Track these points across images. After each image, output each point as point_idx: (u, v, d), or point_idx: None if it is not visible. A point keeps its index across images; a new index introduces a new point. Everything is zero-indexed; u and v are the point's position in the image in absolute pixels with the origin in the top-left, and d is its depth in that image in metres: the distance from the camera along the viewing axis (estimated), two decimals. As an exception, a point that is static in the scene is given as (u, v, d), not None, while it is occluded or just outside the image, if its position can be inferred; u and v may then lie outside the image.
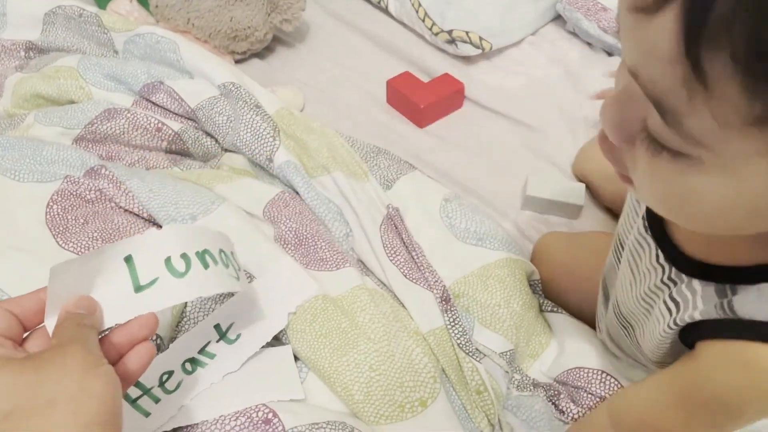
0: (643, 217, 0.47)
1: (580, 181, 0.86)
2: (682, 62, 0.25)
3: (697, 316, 0.40)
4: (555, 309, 0.71)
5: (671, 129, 0.29)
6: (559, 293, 0.72)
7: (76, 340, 0.39)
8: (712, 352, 0.40)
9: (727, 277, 0.39)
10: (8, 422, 0.34)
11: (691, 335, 0.42)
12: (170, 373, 0.60)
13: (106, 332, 0.45)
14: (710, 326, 0.39)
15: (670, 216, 0.36)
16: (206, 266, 0.52)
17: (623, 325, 0.54)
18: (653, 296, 0.46)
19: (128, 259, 0.48)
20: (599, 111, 0.35)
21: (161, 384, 0.59)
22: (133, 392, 0.57)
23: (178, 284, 0.49)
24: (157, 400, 0.58)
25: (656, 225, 0.46)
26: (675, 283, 0.43)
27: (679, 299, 0.42)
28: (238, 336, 0.63)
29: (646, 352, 0.50)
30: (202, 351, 0.62)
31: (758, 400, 0.38)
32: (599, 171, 0.81)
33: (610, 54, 1.12)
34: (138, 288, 0.48)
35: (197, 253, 0.52)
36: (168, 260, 0.50)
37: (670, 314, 0.43)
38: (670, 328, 0.42)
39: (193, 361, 0.62)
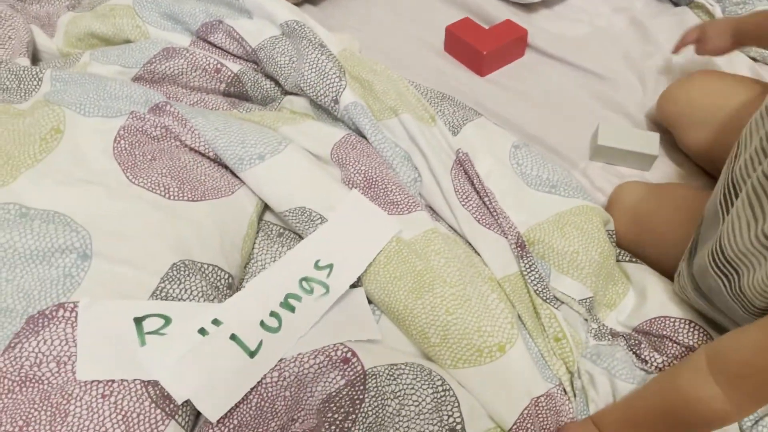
0: None
1: (661, 126, 0.83)
2: None
3: None
4: (633, 259, 0.68)
5: None
6: (636, 245, 0.70)
7: None
8: None
9: None
10: None
11: None
12: (271, 313, 0.60)
13: None
14: None
15: None
16: (293, 310, 0.60)
17: (724, 273, 0.51)
18: None
19: (233, 337, 0.57)
20: None
21: (262, 324, 0.59)
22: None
23: (279, 338, 0.58)
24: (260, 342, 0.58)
25: None
26: None
27: None
28: (330, 270, 0.63)
29: (751, 298, 0.48)
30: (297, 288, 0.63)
31: None
32: (685, 115, 0.77)
33: (676, 4, 1.07)
34: (252, 354, 0.56)
35: (281, 304, 0.61)
36: (262, 323, 0.59)
37: None
38: None
39: (289, 297, 0.62)
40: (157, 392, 0.53)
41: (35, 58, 0.92)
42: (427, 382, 0.57)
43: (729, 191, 0.52)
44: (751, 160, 0.49)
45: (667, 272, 0.67)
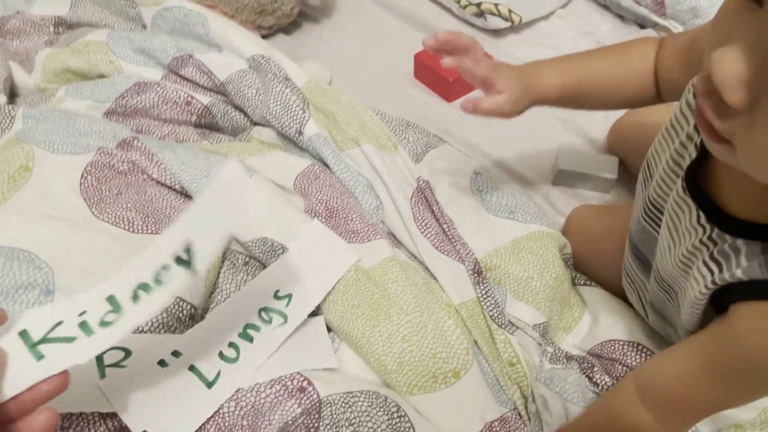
0: (682, 179, 0.46)
1: (614, 154, 0.85)
2: None
3: (739, 275, 0.39)
4: (588, 282, 0.70)
5: None
6: (591, 267, 0.71)
7: None
8: (749, 313, 0.39)
9: None
10: None
11: (724, 299, 0.41)
12: (230, 344, 0.61)
13: None
14: (749, 287, 0.38)
15: None
16: (251, 340, 0.61)
17: (666, 291, 0.53)
18: (692, 257, 0.45)
19: (192, 368, 0.58)
20: (708, 63, 0.31)
21: (221, 356, 0.60)
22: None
23: (237, 368, 0.59)
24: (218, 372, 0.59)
25: (695, 186, 0.44)
26: (716, 243, 0.42)
27: (720, 259, 0.41)
28: (289, 300, 0.65)
29: (683, 318, 0.49)
30: (256, 318, 0.64)
31: None
32: (634, 144, 0.80)
33: (642, 26, 1.09)
34: (209, 385, 0.58)
35: (240, 334, 0.62)
36: (221, 353, 0.60)
37: (711, 274, 0.42)
38: (708, 289, 0.42)
39: (248, 327, 0.63)
40: (116, 425, 0.54)
41: (13, 94, 0.94)
42: (382, 409, 0.58)
43: (651, 211, 0.53)
44: (663, 181, 0.50)
45: (622, 293, 0.68)
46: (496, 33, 1.09)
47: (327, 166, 0.79)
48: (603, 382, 0.61)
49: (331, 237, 0.69)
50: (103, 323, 0.48)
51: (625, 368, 0.61)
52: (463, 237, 0.71)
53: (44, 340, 0.46)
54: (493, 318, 0.65)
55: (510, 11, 1.05)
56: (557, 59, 0.63)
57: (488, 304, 0.66)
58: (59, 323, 0.47)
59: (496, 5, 1.05)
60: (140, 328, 0.60)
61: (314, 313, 0.65)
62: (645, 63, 0.58)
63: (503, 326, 0.64)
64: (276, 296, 0.65)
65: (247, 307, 0.65)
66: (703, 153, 0.44)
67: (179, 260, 0.50)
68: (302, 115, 0.80)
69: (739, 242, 0.40)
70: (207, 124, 0.87)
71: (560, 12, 1.13)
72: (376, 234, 0.70)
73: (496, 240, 0.71)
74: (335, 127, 0.81)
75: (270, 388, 0.58)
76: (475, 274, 0.67)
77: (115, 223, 0.66)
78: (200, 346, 0.61)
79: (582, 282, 0.70)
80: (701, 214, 0.43)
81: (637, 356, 0.61)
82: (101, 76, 0.90)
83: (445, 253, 0.70)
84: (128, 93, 0.85)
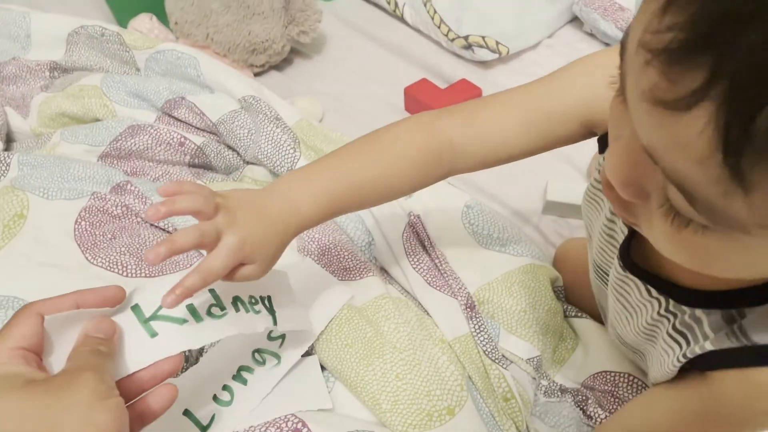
0: (617, 257, 0.44)
1: None
2: (718, 166, 0.23)
3: (709, 347, 0.37)
4: (579, 314, 0.70)
5: (701, 215, 0.26)
6: (581, 299, 0.72)
7: (89, 367, 0.39)
8: (730, 381, 0.37)
9: (731, 301, 0.36)
10: None
11: (699, 363, 0.39)
12: (224, 387, 0.60)
13: None
14: (724, 356, 0.36)
15: (692, 268, 0.31)
16: (245, 382, 0.59)
17: (632, 351, 0.53)
18: (654, 329, 0.44)
19: (186, 412, 0.55)
20: (605, 160, 0.30)
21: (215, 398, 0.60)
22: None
23: (231, 411, 0.57)
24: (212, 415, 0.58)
25: (632, 263, 0.42)
26: (675, 315, 0.40)
27: (684, 330, 0.40)
28: (283, 340, 0.64)
29: (653, 374, 0.47)
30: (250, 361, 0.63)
31: None
32: None
33: (628, 54, 1.11)
34: (204, 429, 0.55)
35: (234, 376, 0.59)
36: (215, 397, 0.58)
37: (680, 347, 0.40)
38: (679, 362, 0.40)
39: (242, 369, 0.62)
40: (110, 473, 0.54)
41: (9, 139, 0.96)
42: (378, 449, 0.58)
43: (599, 271, 0.52)
44: (602, 250, 0.49)
45: None
46: (485, 64, 1.11)
47: (319, 203, 0.79)
48: (596, 415, 0.61)
49: (324, 275, 0.70)
50: (210, 314, 0.49)
51: (617, 400, 0.61)
52: (456, 271, 0.71)
53: (155, 316, 0.46)
54: (487, 353, 0.65)
55: (497, 43, 1.07)
56: (316, 171, 0.53)
57: (481, 338, 0.66)
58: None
59: (483, 37, 1.07)
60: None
61: (308, 353, 0.66)
62: (434, 142, 0.52)
63: (497, 361, 0.64)
64: (269, 337, 0.65)
65: (241, 348, 0.65)
66: (632, 230, 0.42)
67: (263, 302, 0.55)
68: (293, 154, 0.81)
69: (698, 312, 0.38)
70: (200, 164, 0.88)
71: (547, 42, 1.15)
72: (368, 271, 0.71)
73: (488, 274, 0.72)
74: (326, 165, 0.82)
75: (265, 430, 0.58)
76: (468, 309, 0.68)
77: (109, 268, 0.67)
78: (194, 389, 0.61)
79: (573, 314, 0.71)
80: (650, 287, 0.42)
81: (629, 387, 0.61)
82: (96, 119, 0.92)
83: (438, 288, 0.70)
84: (122, 136, 0.86)
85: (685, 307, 0.39)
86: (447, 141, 0.52)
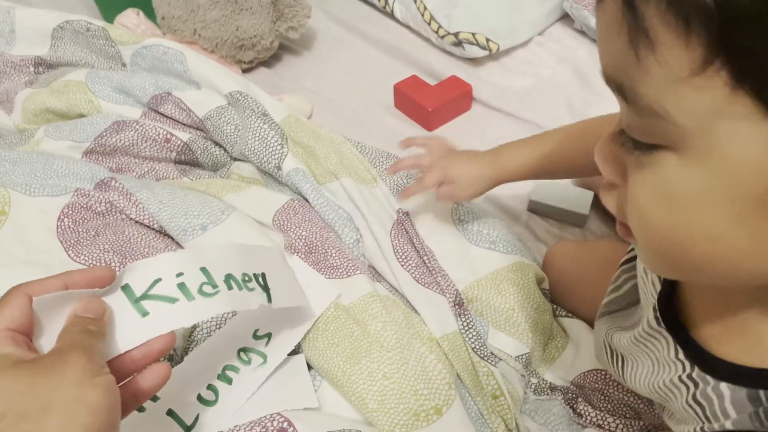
0: (654, 308, 0.42)
1: (586, 188, 0.85)
2: (625, 20, 0.25)
3: (729, 426, 0.35)
4: (569, 315, 0.70)
5: (632, 109, 0.28)
6: (568, 303, 0.71)
7: (78, 346, 0.38)
8: None
9: (760, 380, 0.33)
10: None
11: None
12: (209, 386, 0.60)
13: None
14: None
15: (669, 266, 0.32)
16: (230, 382, 0.59)
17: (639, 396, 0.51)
18: (670, 393, 0.41)
19: (170, 413, 0.54)
20: (594, 154, 0.33)
21: (200, 398, 0.59)
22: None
23: (216, 411, 0.56)
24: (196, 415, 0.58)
25: (671, 317, 0.40)
26: (697, 385, 0.38)
27: (704, 402, 0.37)
28: (269, 339, 0.64)
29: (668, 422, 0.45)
30: (235, 359, 0.62)
31: None
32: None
33: (618, 51, 1.11)
34: (188, 429, 0.55)
35: (219, 376, 0.58)
36: (199, 396, 0.57)
37: (698, 416, 0.38)
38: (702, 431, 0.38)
39: (227, 369, 0.61)
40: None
41: (-8, 135, 0.94)
42: (365, 449, 0.57)
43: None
44: (643, 291, 0.47)
45: None
46: (475, 61, 1.10)
47: (307, 200, 0.78)
48: (587, 413, 0.60)
49: (311, 273, 0.69)
50: (202, 292, 0.48)
51: (607, 398, 0.60)
52: (444, 268, 0.71)
53: (146, 296, 0.46)
54: (476, 350, 0.64)
55: (488, 40, 1.07)
56: (524, 141, 0.67)
57: (470, 336, 0.65)
58: (158, 280, 0.47)
59: (473, 34, 1.07)
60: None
61: (294, 351, 0.65)
62: None
63: (486, 358, 0.64)
64: (255, 336, 0.64)
65: (226, 347, 0.64)
66: (668, 283, 0.41)
67: (257, 279, 0.55)
68: (281, 150, 0.80)
69: (723, 386, 0.36)
70: (187, 161, 0.87)
71: (537, 39, 1.14)
72: (356, 269, 0.70)
73: (477, 271, 0.71)
74: (314, 161, 0.81)
75: (250, 430, 0.57)
76: (457, 306, 0.67)
77: (91, 265, 0.66)
78: (178, 389, 0.60)
79: (564, 314, 0.70)
80: (679, 348, 0.40)
81: (619, 386, 0.61)
82: (81, 115, 0.91)
83: (426, 285, 0.69)
84: (107, 132, 0.85)
85: (709, 378, 0.37)
86: None
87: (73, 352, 0.37)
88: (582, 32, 1.14)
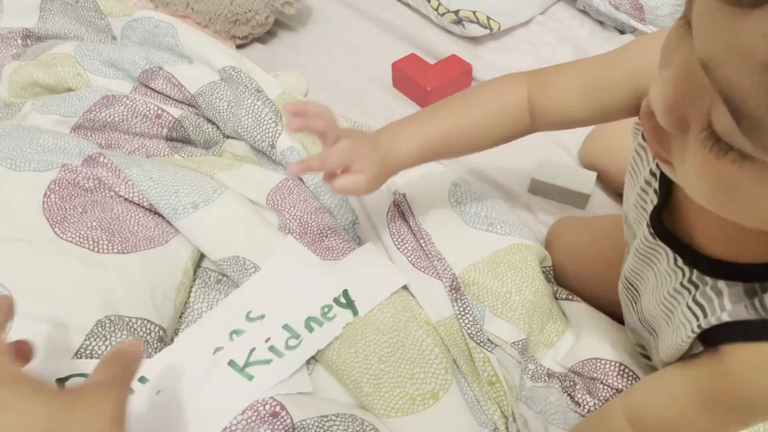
0: (647, 223, 0.44)
1: (585, 167, 0.84)
2: None
3: (725, 318, 0.37)
4: (570, 297, 0.68)
5: (745, 136, 0.26)
6: (574, 280, 0.70)
7: (115, 386, 0.39)
8: (743, 355, 0.37)
9: (755, 275, 0.36)
10: None
11: (711, 336, 0.39)
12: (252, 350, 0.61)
13: None
14: (739, 328, 0.37)
15: (717, 210, 0.32)
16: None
17: (649, 332, 0.51)
18: (674, 301, 0.44)
19: (159, 395, 0.57)
20: (651, 88, 0.31)
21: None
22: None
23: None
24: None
25: (663, 229, 0.43)
26: (697, 287, 0.41)
27: (703, 302, 0.40)
28: (262, 321, 0.63)
29: (662, 358, 0.47)
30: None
31: None
32: (609, 156, 0.78)
33: (621, 32, 1.08)
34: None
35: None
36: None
37: (696, 319, 0.40)
38: (693, 333, 0.40)
39: (217, 351, 0.61)
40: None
41: (-22, 109, 0.91)
42: (359, 433, 0.56)
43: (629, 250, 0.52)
44: (637, 222, 0.49)
45: (608, 308, 0.66)
46: (475, 40, 1.07)
47: (301, 180, 0.76)
48: (585, 402, 0.59)
49: (306, 254, 0.67)
50: (288, 347, 0.60)
51: (606, 388, 0.59)
52: (441, 252, 0.69)
53: (247, 364, 0.58)
54: (472, 336, 0.63)
55: (488, 18, 1.04)
56: (416, 117, 0.62)
57: (466, 321, 0.64)
58: (253, 349, 0.60)
59: (474, 12, 1.04)
60: (105, 354, 0.58)
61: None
62: (518, 98, 0.58)
63: (482, 344, 0.62)
64: (248, 317, 0.63)
65: (218, 329, 0.62)
66: (662, 196, 0.43)
67: (338, 302, 0.63)
68: (274, 128, 0.78)
69: (721, 284, 0.39)
70: (178, 138, 0.85)
71: (539, 18, 1.12)
72: (351, 250, 0.68)
73: (474, 254, 0.69)
74: (309, 140, 0.79)
75: (241, 414, 0.55)
76: (453, 291, 0.65)
77: (79, 243, 0.64)
78: (169, 371, 0.59)
79: (564, 297, 0.68)
80: (677, 256, 0.42)
81: (620, 377, 0.59)
82: (69, 89, 0.88)
83: (422, 269, 0.68)
84: (96, 107, 0.82)
85: (708, 279, 0.39)
86: (527, 100, 0.57)
87: (110, 392, 0.38)
88: (584, 12, 1.12)
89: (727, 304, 0.38)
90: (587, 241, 0.70)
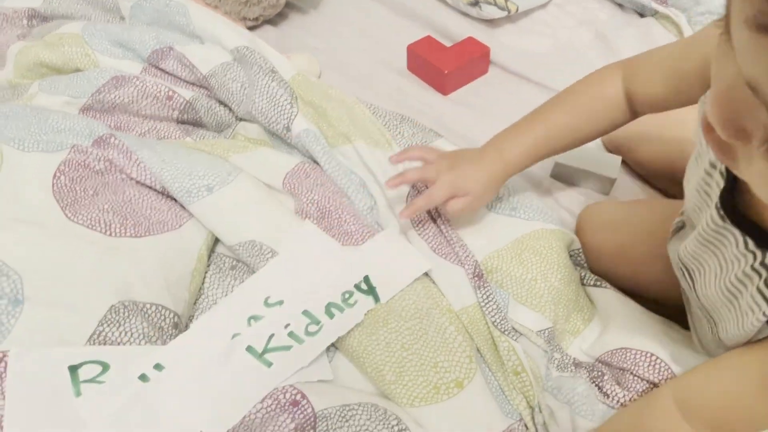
0: (716, 206, 0.43)
1: (610, 151, 0.81)
2: None
3: None
4: (599, 283, 0.66)
5: None
6: (610, 266, 0.67)
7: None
8: None
9: None
10: None
11: None
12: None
13: None
14: None
15: None
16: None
17: (707, 319, 0.50)
18: (740, 285, 0.42)
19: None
20: (707, 102, 0.30)
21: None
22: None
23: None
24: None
25: (734, 210, 0.42)
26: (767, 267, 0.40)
27: None
28: (280, 307, 0.61)
29: (726, 344, 0.46)
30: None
31: None
32: (633, 134, 0.75)
33: (641, 15, 1.06)
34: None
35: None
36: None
37: (767, 302, 0.39)
38: (765, 316, 0.39)
39: (235, 337, 0.59)
40: (93, 446, 0.50)
41: (-17, 90, 0.89)
42: (381, 423, 0.54)
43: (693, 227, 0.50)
44: (697, 208, 0.48)
45: (644, 294, 0.64)
46: (492, 23, 1.05)
47: (317, 163, 0.74)
48: (614, 394, 0.57)
49: (325, 239, 0.65)
50: (308, 333, 0.58)
51: (636, 379, 0.57)
52: (462, 237, 0.67)
53: (266, 350, 0.57)
54: (496, 324, 0.61)
55: (506, 0, 1.02)
56: (518, 127, 0.65)
57: (490, 309, 0.62)
58: (272, 335, 0.58)
59: (491, -6, 1.01)
60: (119, 340, 0.56)
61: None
62: (615, 91, 0.60)
63: (506, 333, 0.60)
64: (266, 303, 0.61)
65: (235, 315, 0.60)
66: (730, 180, 0.43)
67: (359, 288, 0.61)
68: (290, 109, 0.76)
69: None
70: (190, 120, 0.83)
71: (557, 1, 1.09)
72: (371, 235, 0.66)
73: (497, 240, 0.67)
74: (325, 123, 0.77)
75: (261, 402, 0.54)
76: (476, 278, 0.63)
77: (90, 226, 0.62)
78: (185, 357, 0.57)
79: (593, 283, 0.66)
80: (748, 240, 0.41)
81: (651, 367, 0.57)
82: (77, 70, 0.86)
83: (444, 256, 0.66)
84: (105, 88, 0.80)
85: None
86: (623, 90, 0.60)
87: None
88: (603, -5, 1.09)
89: None
90: (623, 225, 0.67)
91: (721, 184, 0.43)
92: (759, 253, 0.40)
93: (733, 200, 0.42)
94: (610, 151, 0.82)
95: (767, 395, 0.40)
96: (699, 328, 0.55)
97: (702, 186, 0.46)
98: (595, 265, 0.68)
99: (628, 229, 0.66)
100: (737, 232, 0.42)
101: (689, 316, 0.58)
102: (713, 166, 0.44)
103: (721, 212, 0.43)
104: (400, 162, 0.66)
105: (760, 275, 0.40)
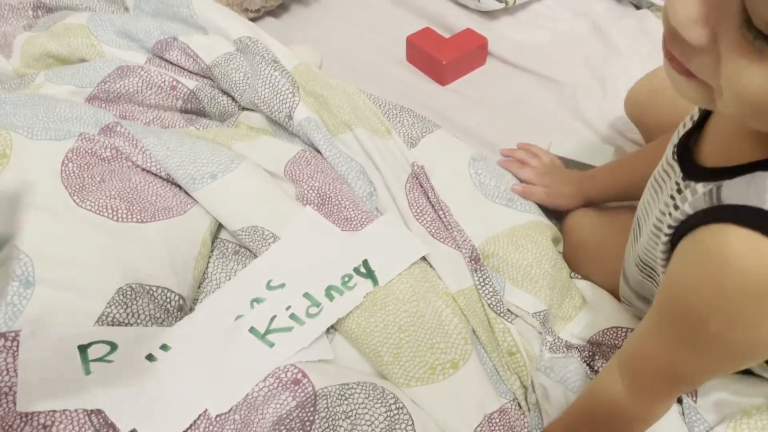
0: (673, 146, 0.44)
1: (619, 135, 0.83)
2: None
3: (687, 209, 0.38)
4: (577, 276, 0.69)
5: None
6: (585, 270, 0.69)
7: None
8: (682, 248, 0.38)
9: (726, 173, 0.36)
10: None
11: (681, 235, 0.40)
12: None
13: None
14: (689, 222, 0.38)
15: (751, 117, 0.32)
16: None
17: (648, 275, 0.51)
18: (662, 217, 0.43)
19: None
20: (664, 7, 0.31)
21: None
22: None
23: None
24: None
25: (685, 152, 0.43)
26: (680, 192, 0.41)
27: (679, 203, 0.40)
28: (282, 290, 0.63)
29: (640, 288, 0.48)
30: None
31: (718, 299, 0.35)
32: (648, 108, 0.74)
33: (637, 7, 1.07)
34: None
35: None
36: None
37: (669, 216, 0.40)
38: (666, 236, 0.40)
39: (239, 319, 0.61)
40: (101, 421, 0.52)
41: (-10, 79, 0.91)
42: (379, 401, 0.56)
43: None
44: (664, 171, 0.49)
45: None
46: (490, 15, 1.06)
47: (318, 151, 0.76)
48: (605, 370, 0.59)
49: (325, 224, 0.67)
50: (309, 315, 0.60)
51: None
52: (460, 223, 0.69)
53: (268, 331, 0.59)
54: (492, 306, 0.63)
55: (504, -8, 1.03)
56: (612, 165, 0.73)
57: (486, 292, 0.64)
58: (274, 317, 0.60)
59: (489, -14, 1.03)
60: (126, 321, 0.58)
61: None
62: None
63: (502, 314, 0.62)
64: (269, 286, 0.63)
65: (238, 298, 0.62)
66: (696, 125, 0.44)
67: (358, 271, 0.63)
68: (292, 98, 0.77)
69: (699, 186, 0.39)
70: (193, 110, 0.84)
71: (555, -8, 1.10)
72: (370, 221, 0.68)
73: (493, 226, 0.69)
74: (326, 112, 0.79)
75: (263, 381, 0.56)
76: (473, 262, 0.65)
77: (98, 212, 0.64)
78: (190, 338, 0.59)
79: (578, 277, 0.69)
80: (680, 172, 0.43)
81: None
82: (82, 60, 0.87)
83: (442, 240, 0.68)
84: (110, 78, 0.82)
85: (692, 183, 0.40)
86: None
87: None
88: (600, -13, 1.10)
89: (689, 197, 0.38)
90: (604, 234, 0.68)
91: (688, 126, 0.44)
92: (682, 183, 0.41)
93: (688, 143, 0.43)
94: (617, 135, 0.83)
95: (656, 332, 0.42)
96: (642, 290, 0.56)
97: (673, 140, 0.47)
98: (574, 268, 0.70)
99: (603, 240, 0.68)
100: (677, 167, 0.43)
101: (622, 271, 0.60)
102: (692, 118, 0.45)
103: (675, 149, 0.44)
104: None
105: (674, 200, 0.41)
